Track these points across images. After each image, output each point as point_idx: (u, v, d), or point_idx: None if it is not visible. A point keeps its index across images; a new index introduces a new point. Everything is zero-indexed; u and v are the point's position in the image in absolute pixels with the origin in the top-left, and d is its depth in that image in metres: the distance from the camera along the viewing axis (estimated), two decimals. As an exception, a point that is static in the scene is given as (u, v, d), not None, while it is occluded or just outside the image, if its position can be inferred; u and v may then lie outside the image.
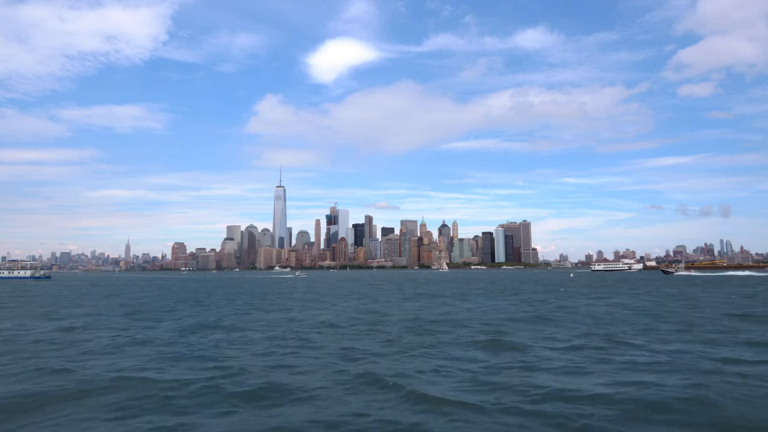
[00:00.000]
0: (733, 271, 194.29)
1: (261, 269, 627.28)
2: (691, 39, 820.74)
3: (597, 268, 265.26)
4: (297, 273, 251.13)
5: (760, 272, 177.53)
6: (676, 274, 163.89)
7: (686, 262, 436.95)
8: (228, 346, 22.68)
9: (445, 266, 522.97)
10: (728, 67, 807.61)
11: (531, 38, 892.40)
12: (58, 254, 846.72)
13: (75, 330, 29.36)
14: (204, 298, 60.39)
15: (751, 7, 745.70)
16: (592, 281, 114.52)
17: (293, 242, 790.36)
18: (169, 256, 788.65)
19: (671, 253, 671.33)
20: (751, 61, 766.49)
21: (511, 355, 20.16)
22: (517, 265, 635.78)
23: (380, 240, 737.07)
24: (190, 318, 35.42)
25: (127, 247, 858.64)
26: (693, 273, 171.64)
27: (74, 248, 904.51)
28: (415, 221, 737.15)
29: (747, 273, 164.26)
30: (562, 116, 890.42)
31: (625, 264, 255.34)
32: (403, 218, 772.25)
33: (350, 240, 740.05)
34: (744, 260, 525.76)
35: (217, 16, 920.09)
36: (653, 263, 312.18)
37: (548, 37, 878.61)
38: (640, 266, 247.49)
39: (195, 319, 34.70)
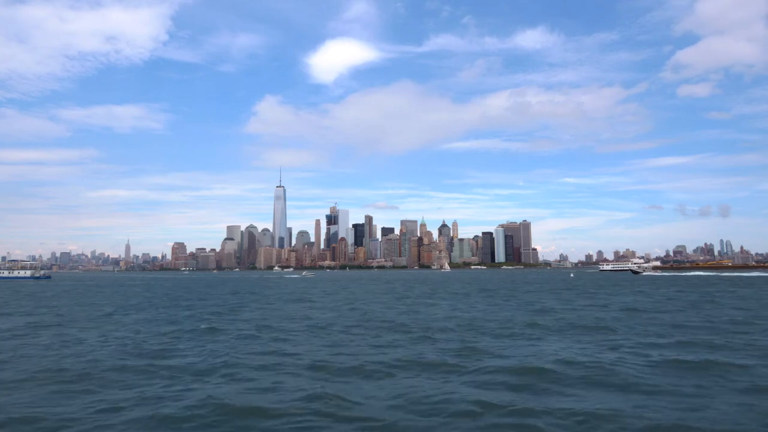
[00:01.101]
0: (702, 271, 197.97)
1: (261, 269, 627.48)
2: (689, 39, 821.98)
3: (605, 268, 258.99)
4: (304, 273, 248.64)
5: (723, 272, 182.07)
6: (643, 274, 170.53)
7: (688, 263, 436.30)
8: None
9: (447, 266, 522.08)
10: (727, 67, 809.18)
11: (531, 38, 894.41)
12: (58, 254, 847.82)
13: (23, 328, 30.51)
14: (182, 301, 60.07)
15: (750, 7, 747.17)
16: (591, 281, 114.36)
17: (293, 242, 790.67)
18: (169, 256, 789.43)
19: (671, 253, 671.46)
20: (750, 62, 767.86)
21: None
22: (517, 265, 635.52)
23: (380, 240, 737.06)
24: (144, 323, 33.19)
25: (127, 247, 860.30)
26: (658, 273, 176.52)
27: (74, 248, 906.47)
28: (415, 221, 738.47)
29: (710, 273, 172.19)
30: (561, 116, 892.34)
31: (634, 264, 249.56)
32: (403, 218, 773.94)
33: (350, 240, 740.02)
34: (744, 260, 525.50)
35: (217, 16, 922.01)
36: (657, 263, 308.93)
37: (548, 38, 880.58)
38: (649, 266, 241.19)
39: (151, 324, 32.53)
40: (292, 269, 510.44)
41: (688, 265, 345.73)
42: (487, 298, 57.08)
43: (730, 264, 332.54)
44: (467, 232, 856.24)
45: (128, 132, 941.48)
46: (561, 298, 55.58)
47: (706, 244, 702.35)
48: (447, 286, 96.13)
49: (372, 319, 33.96)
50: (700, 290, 68.56)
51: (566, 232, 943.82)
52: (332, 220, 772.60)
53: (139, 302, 53.72)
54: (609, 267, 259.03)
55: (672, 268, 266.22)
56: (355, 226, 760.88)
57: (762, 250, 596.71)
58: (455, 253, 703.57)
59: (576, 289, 76.51)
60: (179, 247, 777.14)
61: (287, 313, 40.00)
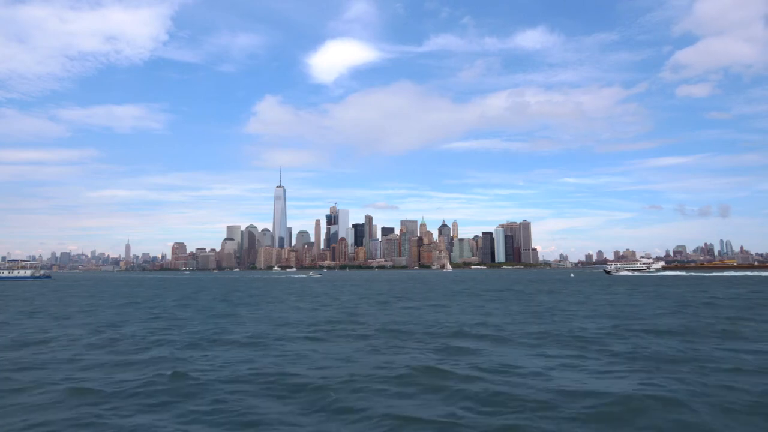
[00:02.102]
0: (706, 271, 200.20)
1: (261, 269, 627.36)
2: (688, 40, 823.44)
3: (613, 268, 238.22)
4: (311, 273, 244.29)
5: (689, 272, 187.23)
6: (614, 274, 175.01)
7: (690, 262, 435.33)
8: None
9: (449, 266, 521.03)
10: (726, 67, 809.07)
11: (531, 39, 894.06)
12: (58, 254, 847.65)
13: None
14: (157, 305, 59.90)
15: (748, 8, 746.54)
16: (588, 281, 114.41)
17: (293, 242, 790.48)
18: (169, 256, 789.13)
19: (671, 253, 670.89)
20: (748, 62, 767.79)
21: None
22: (517, 265, 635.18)
23: (380, 240, 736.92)
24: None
25: (127, 247, 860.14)
26: (630, 274, 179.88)
27: (74, 248, 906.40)
28: (415, 221, 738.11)
29: (678, 273, 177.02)
30: (560, 116, 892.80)
31: (644, 264, 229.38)
32: (403, 218, 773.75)
33: (350, 240, 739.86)
34: (744, 260, 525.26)
35: (217, 16, 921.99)
36: (662, 263, 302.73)
37: (548, 38, 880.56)
38: (659, 266, 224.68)
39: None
40: (294, 269, 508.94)
41: (693, 265, 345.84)
42: (465, 299, 57.15)
43: (735, 264, 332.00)
44: (467, 232, 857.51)
45: (128, 132, 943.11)
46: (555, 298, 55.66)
47: (706, 244, 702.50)
48: (438, 286, 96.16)
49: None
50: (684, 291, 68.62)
51: (566, 232, 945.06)
52: (332, 220, 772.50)
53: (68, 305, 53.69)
54: (617, 267, 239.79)
55: (676, 268, 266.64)
56: (355, 226, 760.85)
57: (762, 250, 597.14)
58: (455, 253, 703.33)
59: (565, 291, 76.56)
60: (179, 247, 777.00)
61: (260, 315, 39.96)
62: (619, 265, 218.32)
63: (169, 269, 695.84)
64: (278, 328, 29.63)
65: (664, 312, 37.37)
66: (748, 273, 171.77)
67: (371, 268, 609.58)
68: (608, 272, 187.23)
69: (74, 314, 40.52)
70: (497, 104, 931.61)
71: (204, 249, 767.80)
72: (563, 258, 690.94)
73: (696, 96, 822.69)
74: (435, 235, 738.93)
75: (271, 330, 28.80)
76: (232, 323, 32.71)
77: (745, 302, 46.09)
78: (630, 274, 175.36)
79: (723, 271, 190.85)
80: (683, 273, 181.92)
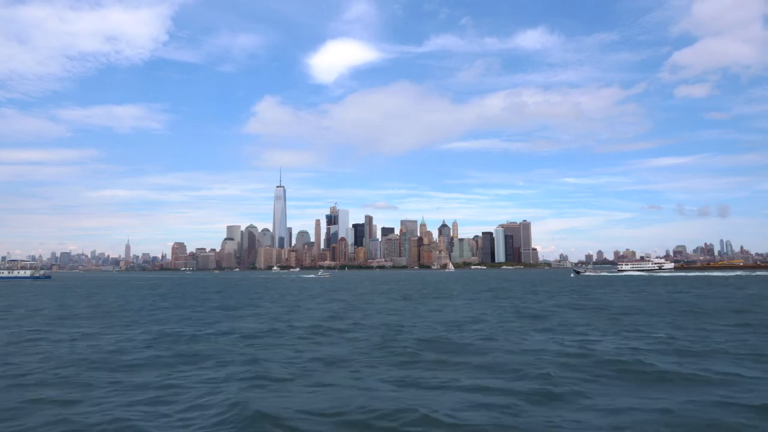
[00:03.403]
0: (708, 271, 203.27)
1: (261, 269, 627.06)
2: (686, 40, 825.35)
3: (624, 268, 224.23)
4: (320, 273, 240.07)
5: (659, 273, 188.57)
6: (584, 274, 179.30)
7: (694, 262, 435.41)
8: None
9: (451, 266, 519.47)
10: (724, 68, 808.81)
11: (531, 39, 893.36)
12: (58, 254, 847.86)
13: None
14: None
15: (747, 8, 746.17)
16: (584, 283, 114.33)
17: (293, 242, 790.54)
18: (169, 256, 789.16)
19: (671, 253, 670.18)
20: (747, 62, 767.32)
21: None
22: (517, 265, 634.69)
23: (380, 240, 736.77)
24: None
25: (127, 247, 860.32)
26: (600, 273, 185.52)
27: (74, 248, 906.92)
28: (415, 221, 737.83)
29: (638, 273, 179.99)
30: (559, 116, 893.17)
31: (655, 263, 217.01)
32: (403, 218, 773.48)
33: (350, 240, 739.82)
34: (744, 260, 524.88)
35: (217, 16, 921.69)
36: (671, 264, 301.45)
37: (548, 38, 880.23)
38: (671, 266, 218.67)
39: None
40: (298, 269, 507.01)
41: (698, 265, 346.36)
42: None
43: (741, 264, 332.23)
44: (467, 232, 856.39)
45: (128, 132, 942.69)
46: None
47: (706, 244, 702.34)
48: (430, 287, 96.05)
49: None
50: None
51: (566, 232, 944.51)
52: (332, 220, 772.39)
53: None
54: (629, 267, 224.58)
55: (683, 268, 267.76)
56: (355, 226, 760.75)
57: (762, 250, 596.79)
58: (455, 253, 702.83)
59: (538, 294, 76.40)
60: (179, 247, 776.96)
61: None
62: (668, 266, 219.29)
63: (169, 269, 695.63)
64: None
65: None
66: (740, 273, 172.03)
67: (371, 268, 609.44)
68: (578, 272, 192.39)
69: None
70: (496, 104, 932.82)
71: (204, 249, 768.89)
72: (563, 258, 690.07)
73: (695, 96, 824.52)
74: (435, 235, 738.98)
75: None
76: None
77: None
78: (595, 274, 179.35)
79: (712, 271, 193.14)
80: (691, 273, 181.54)
